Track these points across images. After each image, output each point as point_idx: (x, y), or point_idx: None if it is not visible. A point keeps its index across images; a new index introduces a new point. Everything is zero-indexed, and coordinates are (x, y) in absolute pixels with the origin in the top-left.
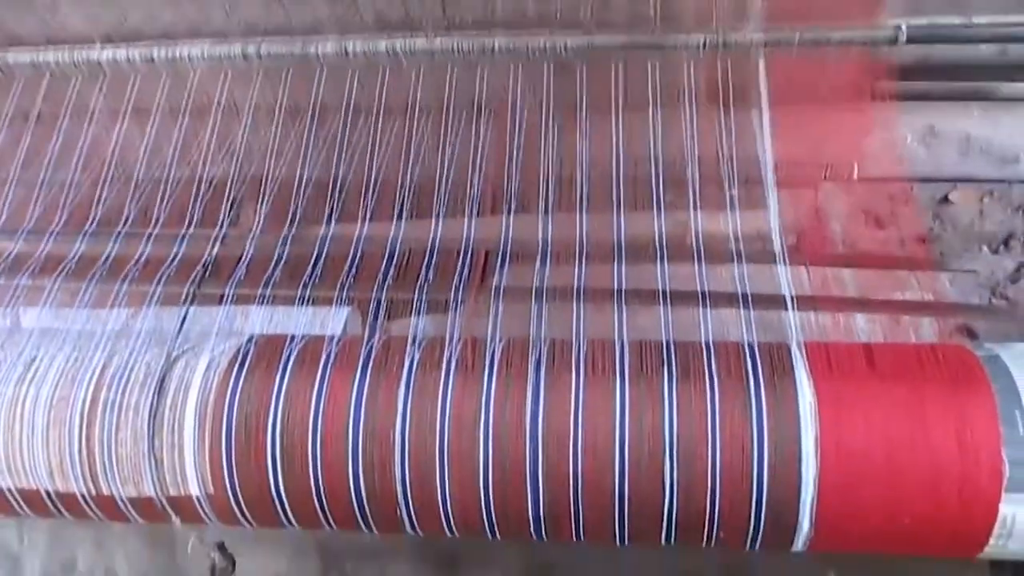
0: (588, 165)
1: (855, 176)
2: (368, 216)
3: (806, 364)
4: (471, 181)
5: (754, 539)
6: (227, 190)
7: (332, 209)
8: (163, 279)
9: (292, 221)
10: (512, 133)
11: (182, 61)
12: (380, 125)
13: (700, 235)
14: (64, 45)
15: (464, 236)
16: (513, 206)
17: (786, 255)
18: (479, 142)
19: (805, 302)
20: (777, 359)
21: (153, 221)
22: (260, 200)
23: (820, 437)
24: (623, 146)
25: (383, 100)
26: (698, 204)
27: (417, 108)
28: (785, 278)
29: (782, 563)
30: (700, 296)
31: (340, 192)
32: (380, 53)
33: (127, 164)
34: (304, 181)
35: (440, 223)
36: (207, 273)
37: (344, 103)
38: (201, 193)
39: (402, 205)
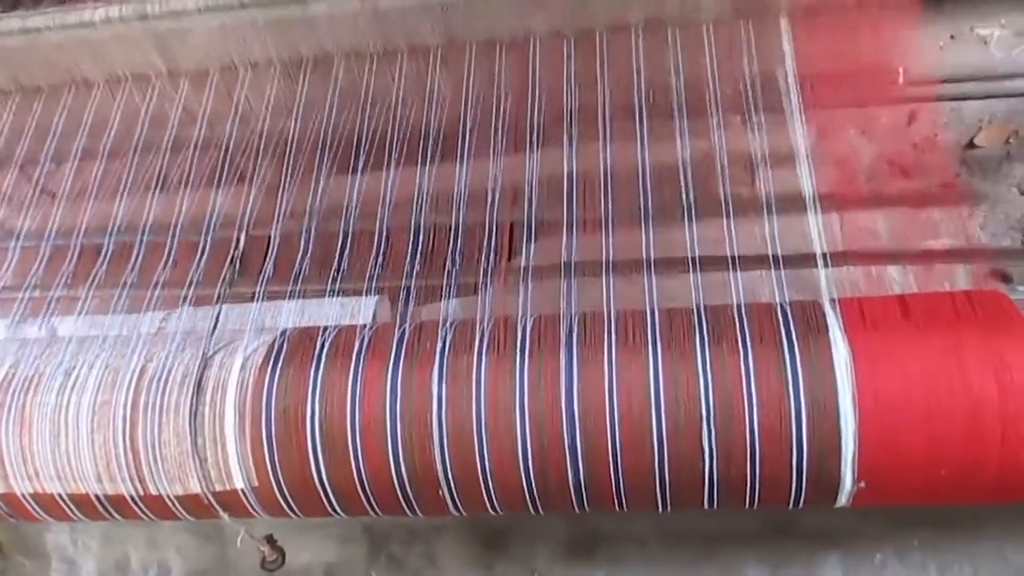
0: (610, 92)
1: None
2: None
3: (840, 320)
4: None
5: (797, 498)
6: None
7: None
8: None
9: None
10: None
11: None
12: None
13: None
14: None
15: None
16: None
17: (818, 202)
18: (499, 82)
19: (838, 257)
20: (811, 317)
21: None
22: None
23: (857, 392)
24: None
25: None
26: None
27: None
28: (816, 227)
29: (828, 517)
30: (729, 260)
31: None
32: None
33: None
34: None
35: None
36: (236, 271)
37: None
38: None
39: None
